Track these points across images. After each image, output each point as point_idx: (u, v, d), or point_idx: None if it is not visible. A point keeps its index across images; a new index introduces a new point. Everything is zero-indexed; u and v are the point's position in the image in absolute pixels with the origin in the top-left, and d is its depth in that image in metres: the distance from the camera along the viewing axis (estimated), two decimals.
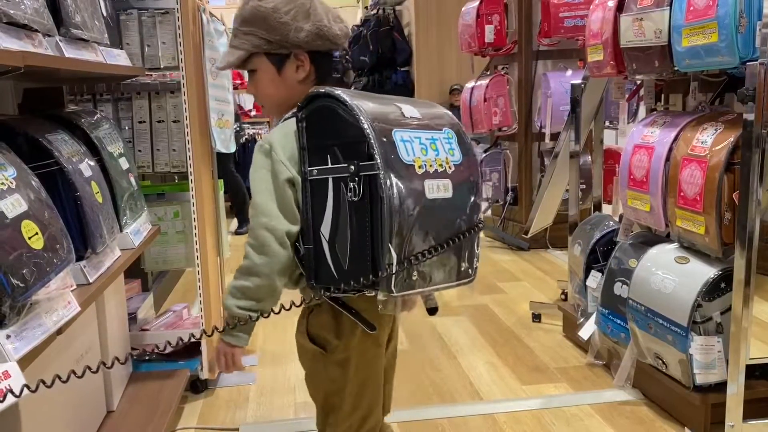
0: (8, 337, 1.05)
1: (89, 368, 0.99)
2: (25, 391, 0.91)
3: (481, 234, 1.27)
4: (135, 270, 2.56)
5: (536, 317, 2.97)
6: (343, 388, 1.31)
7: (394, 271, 1.08)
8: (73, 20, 1.51)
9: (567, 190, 2.96)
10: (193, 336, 1.10)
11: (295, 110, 1.22)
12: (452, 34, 6.19)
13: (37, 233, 1.16)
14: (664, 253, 2.07)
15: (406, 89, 7.58)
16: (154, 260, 2.41)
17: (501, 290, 3.49)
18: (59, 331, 1.22)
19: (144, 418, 1.94)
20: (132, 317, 2.34)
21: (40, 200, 1.22)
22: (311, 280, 1.19)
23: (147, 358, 2.33)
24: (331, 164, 1.14)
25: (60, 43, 1.43)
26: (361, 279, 1.10)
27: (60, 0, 1.46)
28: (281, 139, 1.20)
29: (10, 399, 0.87)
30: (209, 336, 1.20)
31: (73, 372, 0.98)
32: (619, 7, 2.24)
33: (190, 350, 2.34)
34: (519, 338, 2.79)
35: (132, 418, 1.94)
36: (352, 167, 1.10)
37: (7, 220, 1.10)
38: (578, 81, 2.79)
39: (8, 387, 0.89)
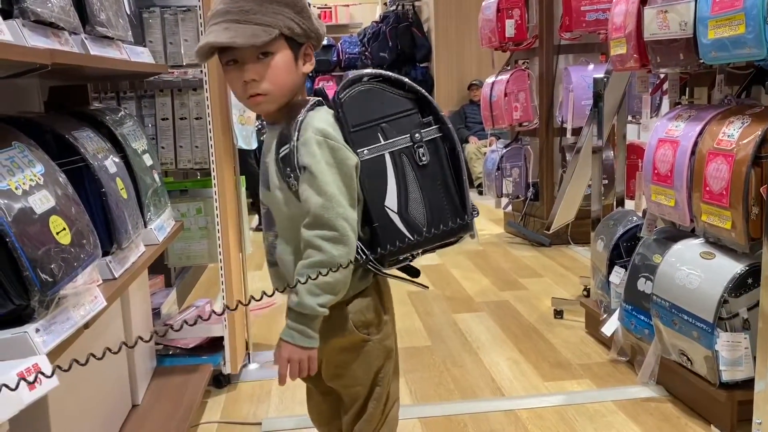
0: (37, 330, 1.07)
1: (109, 350, 0.98)
2: (51, 382, 0.92)
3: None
4: (158, 266, 2.58)
5: (558, 313, 2.95)
6: (391, 358, 1.35)
7: (476, 211, 1.26)
8: (98, 18, 1.53)
9: (589, 186, 2.93)
10: (215, 312, 1.11)
11: (313, 101, 1.24)
12: (472, 30, 6.16)
13: (64, 229, 1.18)
14: (689, 249, 2.04)
15: (425, 85, 7.57)
16: (178, 256, 2.43)
17: (522, 286, 3.47)
18: (86, 326, 1.23)
19: (168, 412, 1.96)
20: (156, 312, 2.36)
21: (67, 196, 1.24)
22: (379, 252, 1.20)
23: (170, 353, 2.35)
24: (385, 140, 1.21)
25: (85, 41, 1.44)
26: (448, 225, 1.21)
27: None
28: (329, 127, 1.20)
29: (47, 384, 0.89)
30: (232, 311, 1.21)
31: (92, 354, 0.97)
32: (643, 0, 2.21)
33: (213, 345, 2.36)
34: (541, 334, 2.77)
35: (156, 412, 1.96)
36: (417, 135, 1.22)
37: (35, 216, 1.11)
38: (600, 75, 2.76)
39: (39, 374, 0.90)
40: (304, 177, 1.18)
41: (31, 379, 0.88)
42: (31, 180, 1.16)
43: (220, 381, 2.35)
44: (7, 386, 0.80)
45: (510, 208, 4.63)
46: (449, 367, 2.49)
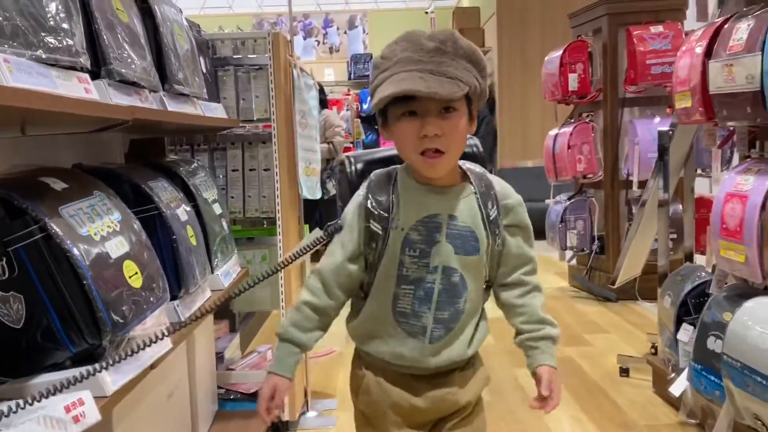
0: (107, 368, 1.13)
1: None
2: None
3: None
4: (224, 311, 2.66)
5: (624, 371, 2.85)
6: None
7: None
8: (176, 77, 1.64)
9: (656, 240, 2.86)
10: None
11: (474, 166, 1.27)
12: (536, 83, 6.19)
13: (136, 273, 1.25)
14: (761, 307, 1.95)
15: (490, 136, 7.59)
16: (242, 301, 2.51)
17: (587, 342, 3.37)
18: (152, 366, 1.29)
19: None
20: (219, 356, 2.43)
21: (140, 242, 1.32)
22: None
23: (232, 397, 2.40)
24: None
25: (164, 98, 1.55)
26: None
27: (165, 59, 1.59)
28: None
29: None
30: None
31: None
32: (708, 53, 2.19)
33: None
34: (606, 393, 2.68)
35: None
36: None
37: (111, 260, 1.19)
38: (666, 128, 2.73)
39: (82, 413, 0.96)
40: (524, 235, 1.32)
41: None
42: (108, 226, 1.24)
43: (279, 428, 2.37)
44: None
45: (575, 261, 4.54)
46: (509, 424, 2.44)
